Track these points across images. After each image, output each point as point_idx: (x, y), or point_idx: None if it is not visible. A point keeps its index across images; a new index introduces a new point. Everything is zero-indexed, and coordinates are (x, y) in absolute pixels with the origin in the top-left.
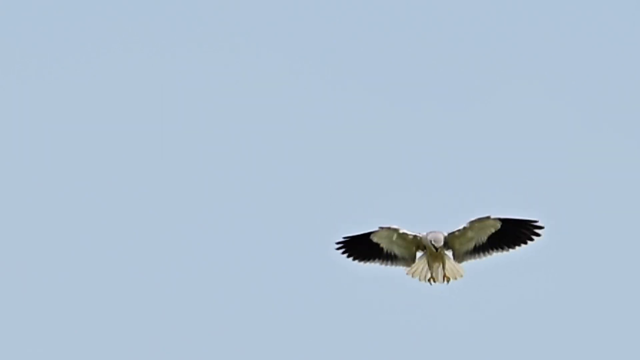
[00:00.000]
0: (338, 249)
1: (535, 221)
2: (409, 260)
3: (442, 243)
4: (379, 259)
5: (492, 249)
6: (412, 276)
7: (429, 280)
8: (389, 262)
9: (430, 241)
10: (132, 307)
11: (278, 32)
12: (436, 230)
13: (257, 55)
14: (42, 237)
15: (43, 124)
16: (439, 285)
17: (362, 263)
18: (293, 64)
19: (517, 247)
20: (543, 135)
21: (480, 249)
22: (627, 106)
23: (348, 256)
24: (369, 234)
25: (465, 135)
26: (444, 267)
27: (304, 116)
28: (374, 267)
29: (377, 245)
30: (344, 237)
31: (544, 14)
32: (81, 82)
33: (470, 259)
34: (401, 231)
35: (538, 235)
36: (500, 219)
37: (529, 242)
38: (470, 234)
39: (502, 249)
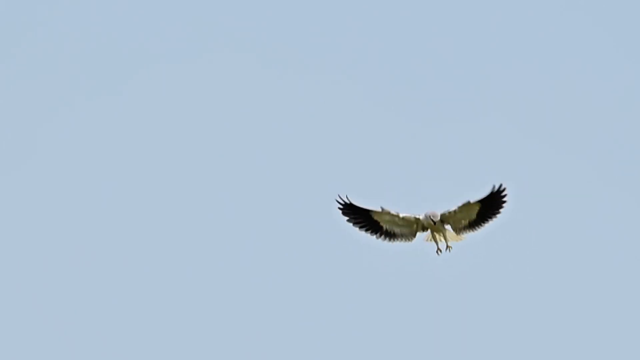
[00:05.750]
0: (339, 208)
1: (499, 188)
2: (410, 237)
3: (439, 216)
4: (377, 234)
5: (483, 222)
6: (428, 241)
7: (437, 251)
8: (387, 239)
9: (429, 217)
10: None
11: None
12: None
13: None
14: (43, 239)
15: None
16: (444, 254)
17: (357, 229)
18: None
19: (499, 213)
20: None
21: (474, 224)
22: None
23: (345, 216)
24: (370, 211)
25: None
26: (444, 238)
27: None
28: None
29: (377, 223)
30: (348, 200)
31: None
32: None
33: (467, 232)
34: (402, 215)
35: (504, 195)
36: (478, 201)
37: (504, 204)
38: (459, 215)
39: (490, 218)
